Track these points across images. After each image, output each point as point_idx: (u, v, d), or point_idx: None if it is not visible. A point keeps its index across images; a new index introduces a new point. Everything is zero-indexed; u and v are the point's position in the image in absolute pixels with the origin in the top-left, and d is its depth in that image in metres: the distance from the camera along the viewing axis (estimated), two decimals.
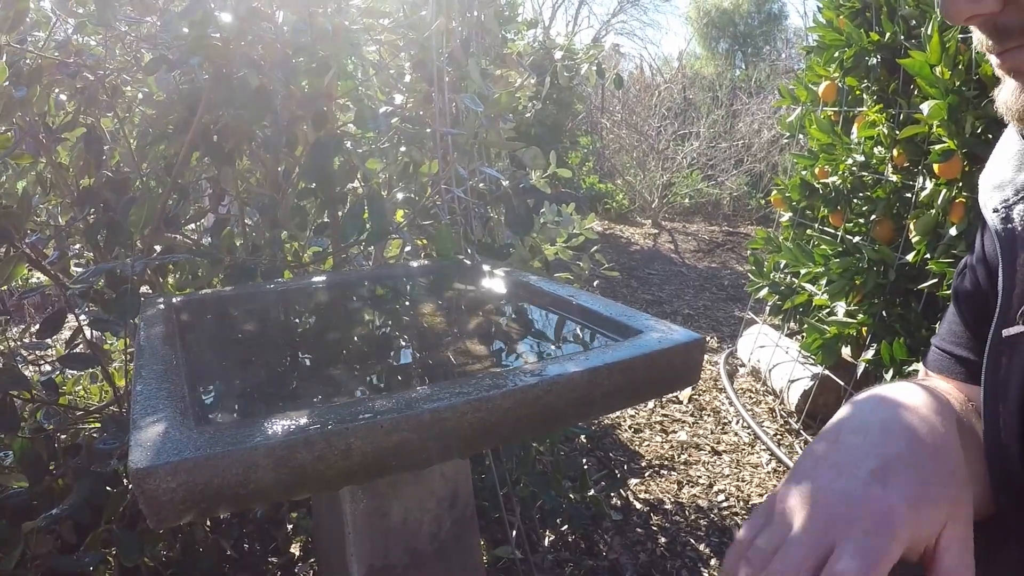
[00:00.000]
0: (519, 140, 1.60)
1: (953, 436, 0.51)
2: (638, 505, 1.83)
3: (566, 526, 1.68)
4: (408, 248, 1.76)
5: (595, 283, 1.97)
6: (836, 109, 2.22)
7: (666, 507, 1.82)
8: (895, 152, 1.93)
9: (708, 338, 3.28)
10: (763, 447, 2.15)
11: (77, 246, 1.47)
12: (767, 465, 2.05)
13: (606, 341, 0.84)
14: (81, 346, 1.36)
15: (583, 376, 0.69)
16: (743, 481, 1.97)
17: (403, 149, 1.59)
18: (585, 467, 1.95)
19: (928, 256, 1.80)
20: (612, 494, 1.85)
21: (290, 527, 1.42)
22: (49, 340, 1.29)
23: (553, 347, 0.90)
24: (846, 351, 2.21)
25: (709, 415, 2.40)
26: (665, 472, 2.01)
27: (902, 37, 1.92)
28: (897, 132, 1.90)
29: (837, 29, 2.10)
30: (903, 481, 0.45)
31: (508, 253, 1.55)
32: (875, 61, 2.00)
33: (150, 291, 1.44)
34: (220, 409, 0.73)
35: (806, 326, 2.18)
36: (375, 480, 0.72)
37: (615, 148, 7.04)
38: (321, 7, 1.33)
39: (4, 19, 1.10)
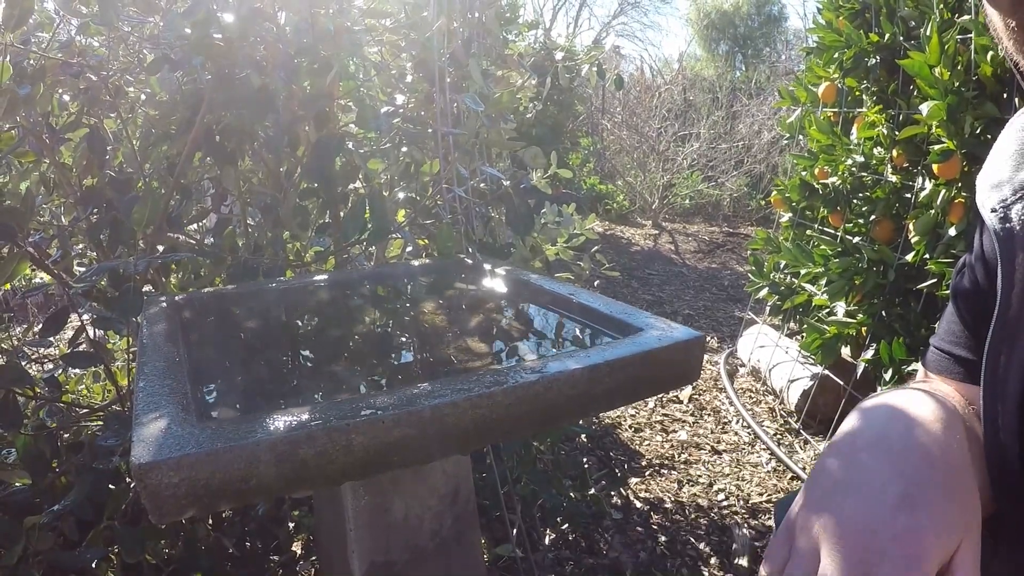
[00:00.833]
0: (520, 140, 1.60)
1: (966, 453, 0.51)
2: (638, 504, 1.83)
3: (566, 524, 1.68)
4: (410, 248, 1.76)
5: (596, 283, 1.98)
6: (836, 110, 2.23)
7: (666, 506, 1.83)
8: (894, 153, 1.94)
9: (708, 338, 3.28)
10: (763, 446, 2.16)
11: (80, 245, 1.47)
12: (767, 464, 2.06)
13: (606, 339, 0.85)
14: (84, 345, 1.37)
15: (583, 373, 0.70)
16: (743, 480, 1.97)
17: (404, 149, 1.60)
18: (586, 466, 1.96)
19: (927, 256, 1.81)
20: (612, 493, 1.86)
21: (292, 525, 1.43)
22: (52, 338, 1.30)
23: (553, 345, 0.90)
24: (846, 351, 2.21)
25: (709, 415, 2.41)
26: (665, 471, 2.01)
27: (901, 38, 1.93)
28: (896, 133, 1.90)
29: (837, 30, 2.10)
30: (928, 507, 0.44)
31: (509, 253, 1.56)
32: (874, 62, 2.01)
33: (152, 290, 1.45)
34: (222, 405, 0.73)
35: (806, 326, 2.18)
36: (376, 476, 0.73)
37: (616, 149, 7.05)
38: (323, 8, 1.34)
39: (8, 18, 1.10)
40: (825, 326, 2.10)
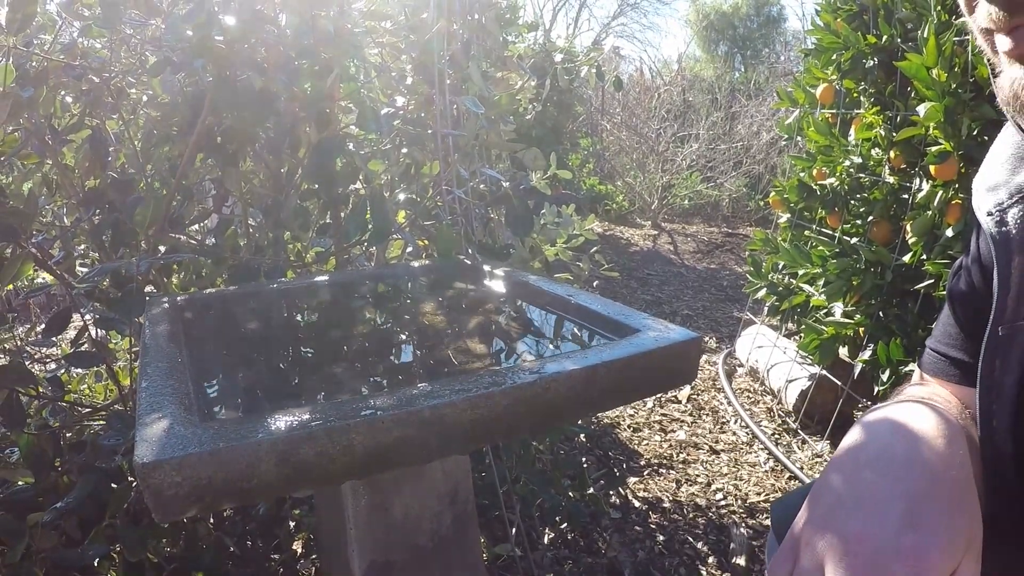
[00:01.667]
0: (520, 142, 1.61)
1: (968, 466, 0.51)
2: (637, 503, 1.84)
3: (565, 524, 1.69)
4: (410, 248, 1.77)
5: (595, 283, 1.99)
6: (834, 111, 2.23)
7: (664, 505, 1.84)
8: (892, 154, 1.95)
9: (707, 338, 3.29)
10: (761, 446, 2.17)
11: (83, 246, 1.48)
12: (765, 464, 2.07)
13: (604, 340, 0.86)
14: (86, 345, 1.38)
15: (581, 374, 0.71)
16: (741, 480, 1.98)
17: (405, 151, 1.61)
18: (584, 466, 1.97)
19: (924, 257, 1.82)
20: (611, 492, 1.87)
21: (292, 524, 1.44)
22: (55, 339, 1.31)
23: (551, 346, 0.91)
24: (843, 351, 2.22)
25: (708, 414, 2.42)
26: (664, 471, 2.02)
27: (899, 40, 1.94)
28: (894, 134, 1.91)
29: (835, 32, 2.11)
30: (932, 524, 0.44)
31: (508, 254, 1.57)
32: (872, 64, 2.02)
33: (155, 290, 1.46)
34: (224, 405, 0.74)
35: (804, 326, 2.19)
36: (376, 475, 0.74)
37: (615, 150, 7.07)
38: (324, 10, 1.34)
39: (11, 21, 1.11)
40: (823, 326, 2.11)
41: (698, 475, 2.00)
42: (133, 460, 0.51)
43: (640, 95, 7.19)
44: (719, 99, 7.27)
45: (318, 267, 1.60)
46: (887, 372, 1.85)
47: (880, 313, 2.01)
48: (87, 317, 1.34)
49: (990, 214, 0.62)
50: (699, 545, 1.67)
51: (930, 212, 1.81)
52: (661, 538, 1.69)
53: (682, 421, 2.36)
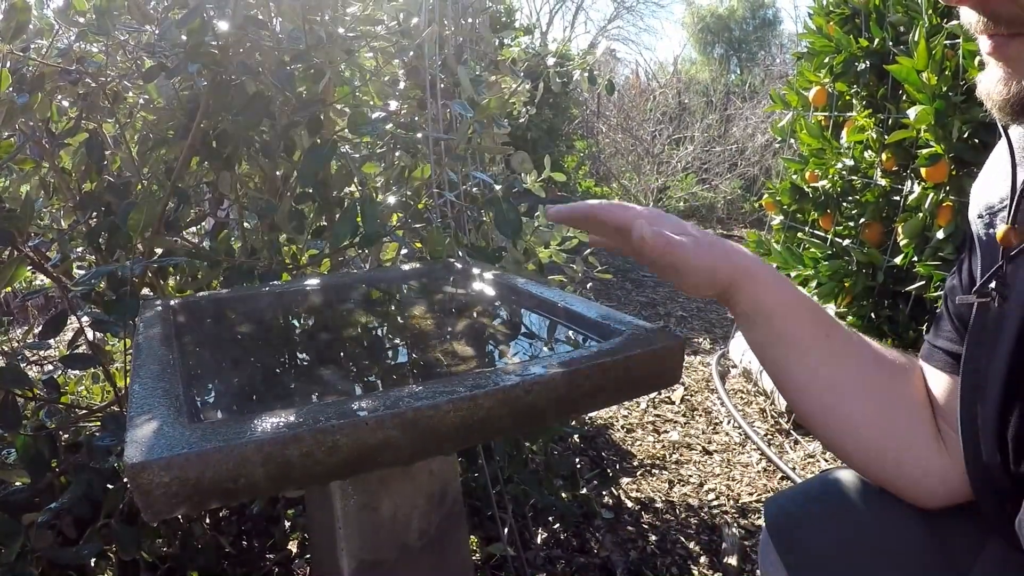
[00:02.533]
0: (515, 144, 1.63)
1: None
2: (629, 504, 1.85)
3: (558, 524, 1.71)
4: (404, 251, 1.78)
5: (588, 285, 2.00)
6: (826, 114, 2.25)
7: (657, 506, 1.85)
8: (884, 156, 1.96)
9: (700, 339, 3.31)
10: (753, 447, 2.18)
11: (80, 249, 1.50)
12: (757, 465, 2.08)
13: (589, 342, 0.87)
14: (83, 347, 1.39)
15: (564, 377, 0.72)
16: (733, 480, 1.99)
17: (398, 154, 1.62)
18: (577, 466, 1.98)
19: (916, 259, 1.83)
20: (604, 493, 1.88)
21: (288, 524, 1.45)
22: (52, 340, 1.32)
23: (536, 348, 0.93)
24: None
25: (701, 415, 2.43)
26: (657, 471, 2.04)
27: (890, 43, 1.95)
28: (885, 137, 1.93)
29: (827, 35, 2.13)
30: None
31: (501, 256, 1.58)
32: (864, 67, 2.03)
33: (151, 293, 1.47)
34: (214, 407, 0.76)
35: None
36: (363, 475, 0.75)
37: (610, 152, 7.09)
38: (317, 15, 1.36)
39: (5, 30, 1.13)
40: None
41: (691, 475, 2.02)
42: (123, 461, 0.53)
43: (636, 97, 7.21)
44: (714, 101, 7.30)
45: (313, 269, 1.62)
46: None
47: (872, 314, 2.03)
48: (84, 319, 1.36)
49: (980, 216, 0.63)
50: (691, 545, 1.69)
51: (921, 214, 1.83)
52: (653, 538, 1.70)
53: (675, 422, 2.37)
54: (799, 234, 2.36)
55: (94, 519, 1.04)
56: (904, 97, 1.88)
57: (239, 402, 0.77)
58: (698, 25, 14.61)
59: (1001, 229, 0.58)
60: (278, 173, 1.57)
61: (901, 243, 1.89)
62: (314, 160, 1.29)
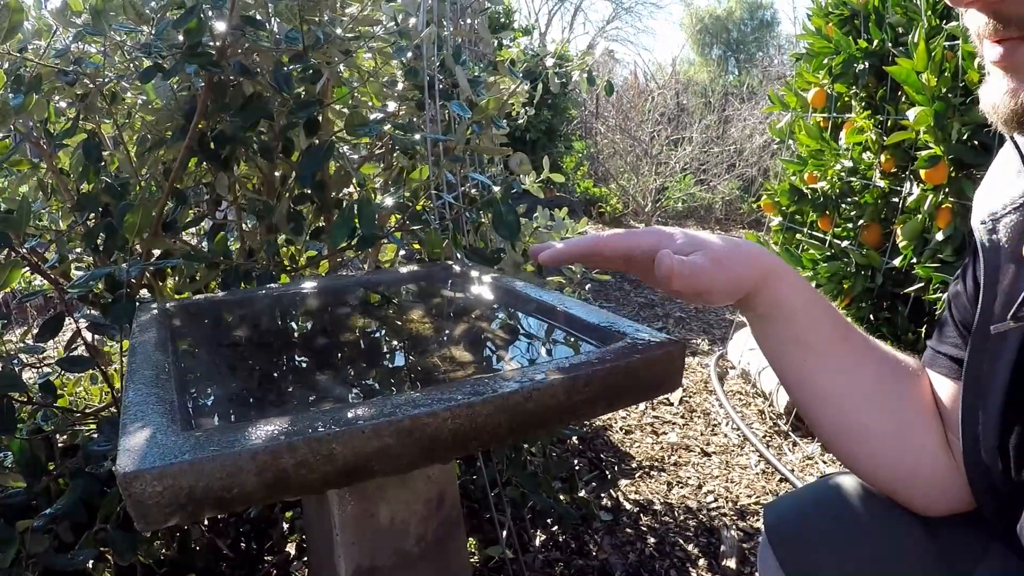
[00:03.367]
0: (513, 145, 1.62)
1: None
2: (628, 506, 1.85)
3: (556, 526, 1.70)
4: (403, 252, 1.78)
5: (587, 286, 2.00)
6: (825, 115, 2.25)
7: (656, 508, 1.85)
8: (883, 158, 1.96)
9: (699, 340, 3.30)
10: (752, 448, 2.18)
11: (78, 250, 1.49)
12: (756, 466, 2.08)
13: (588, 347, 0.87)
14: (80, 349, 1.39)
15: (563, 383, 0.71)
16: (732, 482, 1.99)
17: (396, 155, 1.62)
18: (576, 468, 1.98)
19: (915, 260, 1.83)
20: (603, 495, 1.88)
21: (286, 527, 1.45)
22: (50, 342, 1.31)
23: (535, 353, 0.92)
24: None
25: (699, 417, 2.43)
26: (655, 473, 2.03)
27: (890, 44, 1.95)
28: (884, 138, 1.92)
29: (826, 36, 2.12)
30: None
31: (500, 258, 1.58)
32: (863, 68, 2.03)
33: (149, 295, 1.47)
34: (208, 414, 0.75)
35: None
36: (357, 484, 0.75)
37: (609, 153, 7.09)
38: (315, 16, 1.35)
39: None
40: None
41: (689, 477, 2.01)
42: (115, 470, 0.52)
43: (635, 98, 7.21)
44: (712, 102, 7.30)
45: (311, 270, 1.61)
46: None
47: (870, 316, 2.02)
48: (81, 321, 1.35)
49: (983, 223, 0.63)
50: (689, 547, 1.68)
51: (920, 216, 1.83)
52: (652, 540, 1.70)
53: (674, 423, 2.37)
54: (797, 235, 2.35)
55: (90, 523, 1.03)
56: (903, 98, 1.88)
57: (235, 408, 0.76)
58: (696, 26, 14.62)
59: None
60: (276, 174, 1.57)
61: (900, 245, 1.88)
62: (312, 161, 1.28)
